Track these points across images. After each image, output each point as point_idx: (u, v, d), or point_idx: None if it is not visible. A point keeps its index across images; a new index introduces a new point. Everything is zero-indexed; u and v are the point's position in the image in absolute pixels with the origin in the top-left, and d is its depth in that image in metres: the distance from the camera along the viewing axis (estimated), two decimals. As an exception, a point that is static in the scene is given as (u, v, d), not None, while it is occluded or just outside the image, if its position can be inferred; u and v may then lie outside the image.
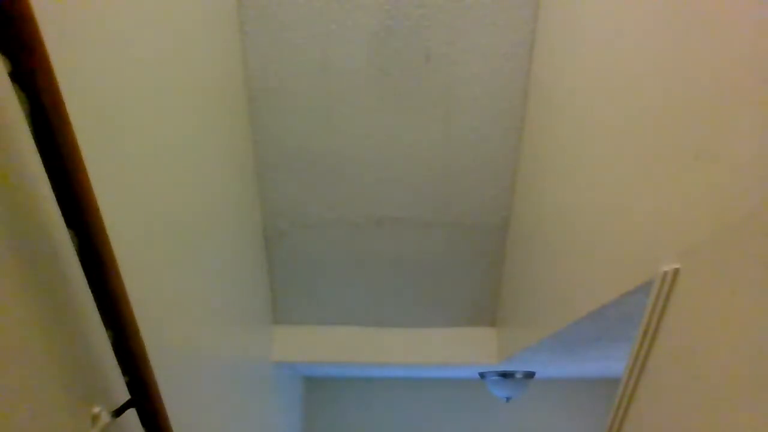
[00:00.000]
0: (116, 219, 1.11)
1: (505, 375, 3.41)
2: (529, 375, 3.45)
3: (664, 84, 1.24)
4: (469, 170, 2.54)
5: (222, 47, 2.03)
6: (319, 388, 4.19)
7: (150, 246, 1.38)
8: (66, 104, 0.77)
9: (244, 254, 2.42)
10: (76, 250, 0.87)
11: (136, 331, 1.03)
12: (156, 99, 1.43)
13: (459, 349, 3.08)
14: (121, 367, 1.04)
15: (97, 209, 0.87)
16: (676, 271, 1.16)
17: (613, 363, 2.84)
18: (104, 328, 0.98)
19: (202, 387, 1.83)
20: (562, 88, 1.98)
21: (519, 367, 3.27)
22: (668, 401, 1.21)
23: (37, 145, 0.76)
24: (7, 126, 0.80)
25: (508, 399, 3.57)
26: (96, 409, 1.03)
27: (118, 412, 1.08)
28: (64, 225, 0.85)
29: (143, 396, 1.10)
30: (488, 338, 3.09)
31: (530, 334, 2.39)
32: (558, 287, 1.99)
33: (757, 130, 0.92)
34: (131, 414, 1.11)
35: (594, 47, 1.69)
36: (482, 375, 3.56)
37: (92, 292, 0.92)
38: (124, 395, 1.09)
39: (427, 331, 3.08)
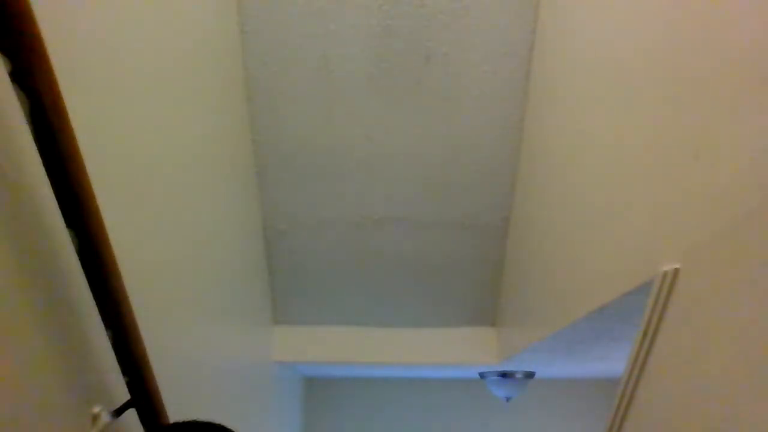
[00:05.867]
0: (116, 219, 1.11)
1: (505, 375, 3.40)
2: (529, 375, 3.45)
3: (664, 83, 1.24)
4: (469, 170, 2.54)
5: (222, 47, 2.03)
6: (319, 388, 4.18)
7: (150, 246, 1.38)
8: (66, 104, 0.77)
9: (244, 254, 2.42)
10: (76, 251, 0.87)
11: (136, 331, 1.03)
12: (156, 99, 1.43)
13: (459, 349, 3.08)
14: (121, 367, 1.04)
15: (97, 209, 0.87)
16: (676, 271, 1.16)
17: (613, 363, 2.84)
18: (104, 328, 0.98)
19: (202, 387, 1.83)
20: (562, 88, 1.98)
21: (519, 367, 3.26)
22: (668, 401, 1.21)
23: (37, 145, 0.76)
24: (7, 126, 0.80)
25: (508, 399, 3.57)
26: (96, 409, 1.03)
27: (118, 412, 1.08)
28: (64, 225, 0.85)
29: (143, 396, 1.09)
30: (488, 338, 3.09)
31: (530, 334, 2.39)
32: (558, 287, 1.99)
33: (756, 130, 0.92)
34: (131, 414, 1.11)
35: (594, 47, 1.69)
36: (482, 375, 3.55)
37: (92, 292, 0.92)
38: (124, 395, 1.09)
39: (427, 331, 3.08)
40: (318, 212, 2.65)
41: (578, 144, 1.80)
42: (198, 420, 0.90)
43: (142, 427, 1.15)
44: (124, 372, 1.04)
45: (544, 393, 4.18)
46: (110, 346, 1.00)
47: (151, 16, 1.40)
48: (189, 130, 1.68)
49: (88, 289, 0.92)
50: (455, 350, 3.07)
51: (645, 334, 1.27)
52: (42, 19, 0.72)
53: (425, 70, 2.30)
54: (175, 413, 1.30)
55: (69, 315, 0.96)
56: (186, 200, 1.65)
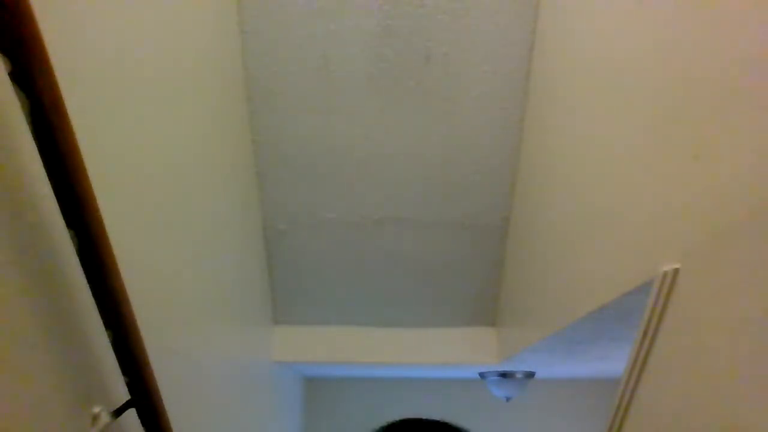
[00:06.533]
0: (116, 219, 1.11)
1: (505, 375, 3.41)
2: (529, 375, 3.45)
3: (664, 84, 1.24)
4: (469, 170, 2.54)
5: (222, 47, 2.03)
6: (319, 388, 4.18)
7: (150, 246, 1.38)
8: (66, 103, 0.77)
9: (244, 254, 2.42)
10: (76, 250, 0.87)
11: (136, 331, 1.03)
12: (156, 99, 1.43)
13: (459, 349, 3.08)
14: (121, 367, 1.04)
15: (97, 209, 0.87)
16: (676, 271, 1.16)
17: (613, 363, 2.84)
18: (104, 328, 0.98)
19: (202, 387, 1.83)
20: (562, 88, 1.98)
21: (519, 367, 3.26)
22: (668, 401, 1.21)
23: (37, 145, 0.76)
24: (7, 126, 0.80)
25: (508, 399, 3.57)
26: (96, 409, 1.03)
27: (118, 412, 1.08)
28: (64, 225, 0.85)
29: (143, 396, 1.09)
30: (488, 338, 3.09)
31: (530, 334, 2.39)
32: (558, 287, 1.99)
33: (757, 131, 0.92)
34: (131, 414, 1.11)
35: (594, 47, 1.69)
36: (482, 375, 3.55)
37: (92, 292, 0.92)
38: (124, 395, 1.09)
39: (427, 331, 3.08)
40: (318, 212, 2.65)
41: (578, 144, 1.80)
42: (428, 418, 0.88)
43: (142, 427, 1.15)
44: (124, 372, 1.04)
45: (544, 393, 4.18)
46: (110, 346, 0.99)
47: (151, 16, 1.40)
48: (189, 130, 1.68)
49: (88, 289, 0.92)
50: (455, 350, 3.07)
51: (645, 334, 1.27)
52: (42, 19, 0.72)
53: (425, 70, 2.30)
54: (175, 413, 1.30)
55: (69, 315, 0.96)
56: (186, 200, 1.65)
